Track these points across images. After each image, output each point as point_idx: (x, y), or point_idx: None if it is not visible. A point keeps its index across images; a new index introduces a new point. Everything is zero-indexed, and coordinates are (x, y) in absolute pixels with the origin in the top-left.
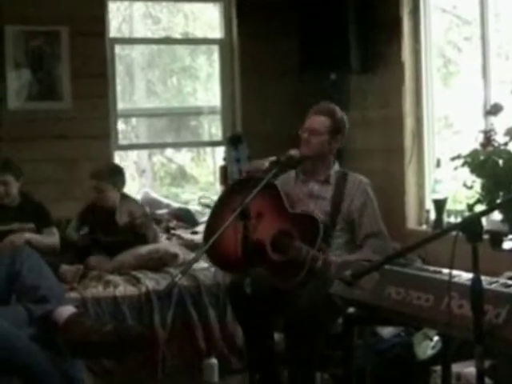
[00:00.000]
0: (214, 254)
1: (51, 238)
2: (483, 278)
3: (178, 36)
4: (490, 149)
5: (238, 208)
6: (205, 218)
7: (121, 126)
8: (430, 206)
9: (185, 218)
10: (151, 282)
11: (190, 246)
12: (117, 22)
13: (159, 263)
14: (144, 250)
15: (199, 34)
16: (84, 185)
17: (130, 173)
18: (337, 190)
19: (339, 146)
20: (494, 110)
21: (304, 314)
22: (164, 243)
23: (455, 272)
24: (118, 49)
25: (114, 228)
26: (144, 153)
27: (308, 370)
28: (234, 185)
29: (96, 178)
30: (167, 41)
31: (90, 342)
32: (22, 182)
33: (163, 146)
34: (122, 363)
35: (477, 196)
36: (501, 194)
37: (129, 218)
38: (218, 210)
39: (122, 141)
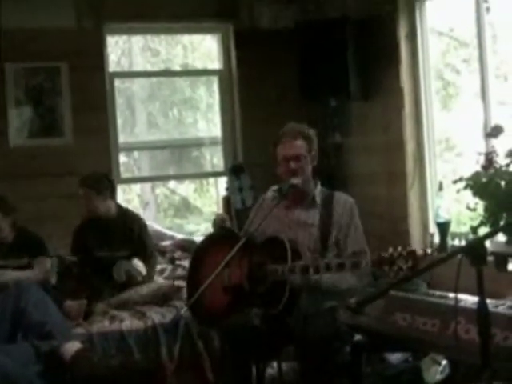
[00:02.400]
0: (199, 310)
1: (40, 268)
2: (489, 301)
3: (177, 67)
4: (491, 171)
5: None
6: None
7: (123, 159)
8: (433, 229)
9: (189, 248)
10: (157, 315)
11: None
12: (116, 55)
13: (163, 298)
14: (147, 288)
15: (198, 65)
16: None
17: (133, 205)
18: (324, 214)
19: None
20: (494, 131)
21: (316, 346)
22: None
23: (461, 296)
24: (117, 82)
25: (110, 241)
26: (147, 185)
27: None
28: (207, 242)
29: (81, 186)
30: (166, 73)
31: (98, 377)
32: (13, 219)
33: (166, 178)
34: None
35: (480, 218)
36: (504, 215)
37: (126, 277)
38: (197, 267)
39: (124, 174)
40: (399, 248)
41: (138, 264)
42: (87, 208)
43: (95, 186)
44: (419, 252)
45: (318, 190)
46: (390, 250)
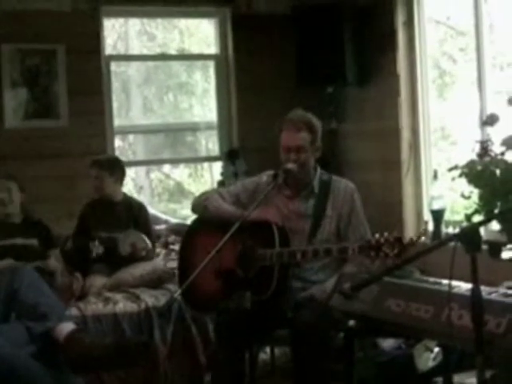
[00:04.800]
0: (191, 296)
1: (58, 263)
2: (482, 288)
3: (173, 52)
4: (486, 159)
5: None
6: None
7: (118, 142)
8: (428, 217)
9: (183, 233)
10: (151, 298)
11: None
12: (112, 39)
13: (158, 282)
14: (142, 270)
15: (195, 50)
16: (83, 201)
17: (127, 189)
18: (318, 204)
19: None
20: (490, 120)
21: (309, 330)
22: (160, 261)
23: (454, 283)
24: (113, 66)
25: (113, 225)
26: (141, 169)
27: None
28: (197, 224)
29: (94, 166)
30: (163, 57)
31: (92, 357)
32: (25, 198)
33: (160, 162)
34: (123, 379)
35: (474, 206)
36: (498, 203)
37: (131, 249)
38: (188, 249)
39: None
40: (385, 234)
41: (145, 238)
42: (95, 187)
43: (108, 168)
44: (405, 239)
45: (318, 177)
46: (377, 235)
